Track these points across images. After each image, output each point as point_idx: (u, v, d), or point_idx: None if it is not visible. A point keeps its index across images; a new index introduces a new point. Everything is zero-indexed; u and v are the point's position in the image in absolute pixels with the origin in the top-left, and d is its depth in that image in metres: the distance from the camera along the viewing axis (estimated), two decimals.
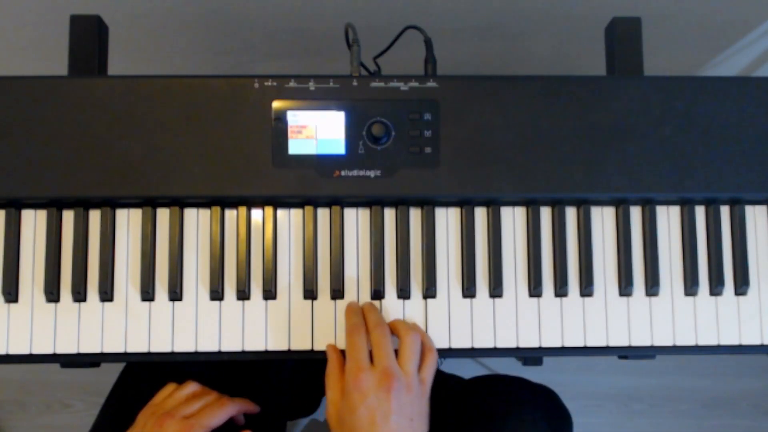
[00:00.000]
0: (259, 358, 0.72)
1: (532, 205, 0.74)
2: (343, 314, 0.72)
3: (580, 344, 0.73)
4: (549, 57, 1.12)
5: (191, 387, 0.74)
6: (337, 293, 0.73)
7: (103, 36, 0.78)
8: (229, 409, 0.72)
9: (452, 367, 1.18)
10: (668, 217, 0.75)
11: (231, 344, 0.72)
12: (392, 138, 0.72)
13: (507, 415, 0.81)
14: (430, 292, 0.73)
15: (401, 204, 0.74)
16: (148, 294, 0.72)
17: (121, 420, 0.74)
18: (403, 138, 0.72)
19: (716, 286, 0.74)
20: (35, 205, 0.73)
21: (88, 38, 0.76)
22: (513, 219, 0.75)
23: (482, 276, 0.74)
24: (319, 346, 0.72)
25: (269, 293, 0.73)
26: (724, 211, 0.76)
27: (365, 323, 0.69)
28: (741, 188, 0.73)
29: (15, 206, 0.72)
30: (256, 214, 0.74)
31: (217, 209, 0.73)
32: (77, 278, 0.72)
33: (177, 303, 0.72)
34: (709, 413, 1.43)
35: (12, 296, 0.72)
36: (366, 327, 0.69)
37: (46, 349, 0.71)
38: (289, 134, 0.72)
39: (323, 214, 0.74)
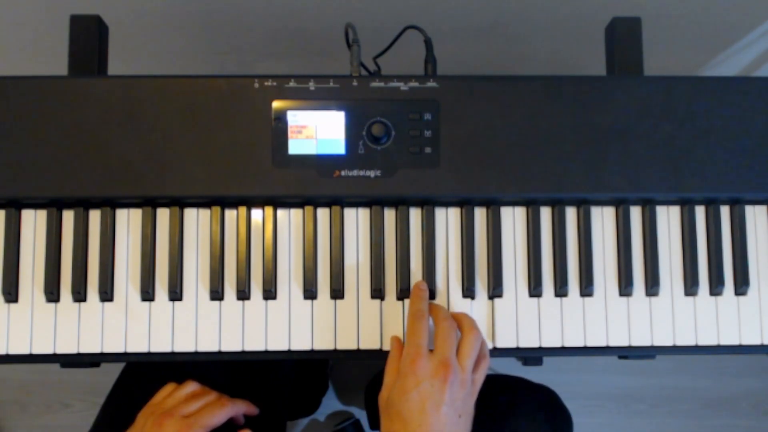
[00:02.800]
0: (259, 358, 0.72)
1: (532, 205, 0.74)
2: (342, 314, 0.72)
3: (580, 344, 0.73)
4: (549, 57, 1.12)
5: (191, 387, 0.74)
6: (337, 293, 0.73)
7: (103, 36, 0.78)
8: (228, 409, 0.72)
9: None
10: (668, 217, 0.75)
11: (231, 344, 0.72)
12: (392, 138, 0.72)
13: (508, 415, 0.81)
14: (428, 292, 0.73)
15: (401, 204, 0.74)
16: (148, 294, 0.72)
17: (121, 420, 0.74)
18: (403, 138, 0.72)
19: (716, 286, 0.74)
20: (35, 205, 0.73)
21: (88, 38, 0.76)
22: (513, 219, 0.75)
23: (482, 276, 0.74)
24: (320, 346, 0.72)
25: (269, 293, 0.73)
26: (724, 211, 0.76)
27: (432, 312, 0.69)
28: (741, 188, 0.73)
29: (15, 206, 0.72)
30: (256, 214, 0.74)
31: (217, 209, 0.73)
32: (77, 278, 0.72)
33: (177, 303, 0.72)
34: (709, 413, 1.43)
35: (12, 296, 0.72)
36: (433, 316, 0.69)
37: (46, 349, 0.71)
38: (289, 134, 0.72)
39: (323, 214, 0.74)
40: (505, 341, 0.73)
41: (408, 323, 0.68)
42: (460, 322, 0.69)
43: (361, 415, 1.36)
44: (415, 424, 0.62)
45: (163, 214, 0.73)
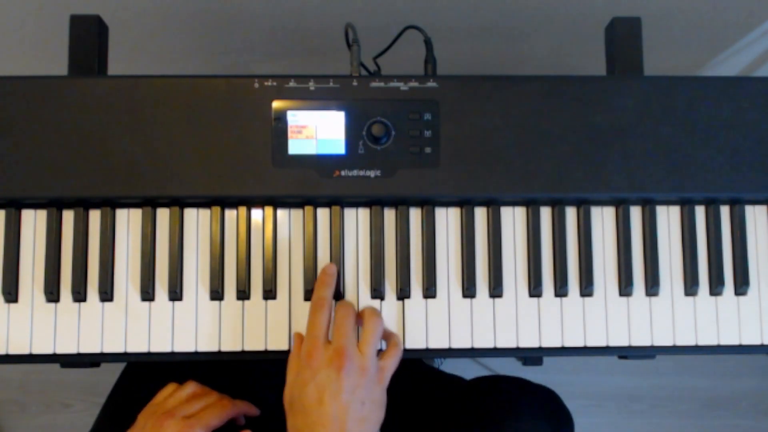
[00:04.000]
0: (259, 358, 0.72)
1: (532, 205, 0.74)
2: None
3: (580, 344, 0.73)
4: (549, 57, 1.12)
5: (192, 387, 0.74)
6: (338, 293, 0.73)
7: (103, 36, 0.78)
8: (229, 410, 0.72)
9: (452, 367, 1.18)
10: (668, 217, 0.75)
11: (231, 344, 0.72)
12: (392, 138, 0.72)
13: (508, 416, 0.80)
14: (430, 292, 0.73)
15: (401, 204, 0.74)
16: (148, 294, 0.72)
17: (122, 420, 0.74)
18: (403, 138, 0.72)
19: (716, 286, 0.74)
20: (35, 205, 0.73)
21: (88, 38, 0.76)
22: (513, 219, 0.75)
23: (482, 276, 0.74)
24: None
25: (269, 293, 0.73)
26: (724, 211, 0.76)
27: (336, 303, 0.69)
28: (741, 188, 0.73)
29: (15, 206, 0.72)
30: (256, 214, 0.74)
31: (217, 209, 0.73)
32: (77, 278, 0.72)
33: (177, 303, 0.72)
34: (709, 413, 1.43)
35: (12, 296, 0.72)
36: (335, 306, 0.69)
37: (46, 349, 0.71)
38: (289, 134, 0.72)
39: (323, 214, 0.74)
40: (505, 341, 0.73)
41: (309, 314, 0.68)
42: (362, 311, 0.69)
43: None
44: (314, 416, 0.62)
45: (163, 214, 0.73)
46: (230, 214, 0.74)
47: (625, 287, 0.74)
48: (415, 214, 0.75)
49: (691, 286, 0.74)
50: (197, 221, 0.74)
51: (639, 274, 0.74)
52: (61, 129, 0.71)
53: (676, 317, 0.74)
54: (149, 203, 0.73)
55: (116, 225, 0.73)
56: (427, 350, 0.72)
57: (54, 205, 0.72)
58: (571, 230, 0.75)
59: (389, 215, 0.74)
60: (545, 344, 0.73)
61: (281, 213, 0.74)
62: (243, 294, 0.72)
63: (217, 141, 0.71)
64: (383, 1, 0.96)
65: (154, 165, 0.71)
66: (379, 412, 0.65)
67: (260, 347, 0.72)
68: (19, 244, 0.72)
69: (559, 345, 0.73)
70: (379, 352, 0.69)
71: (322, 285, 0.70)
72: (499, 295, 0.74)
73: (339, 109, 0.73)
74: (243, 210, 0.73)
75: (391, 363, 0.68)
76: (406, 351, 0.72)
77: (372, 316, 0.68)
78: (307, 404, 0.62)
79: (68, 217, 0.73)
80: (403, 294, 0.73)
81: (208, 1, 0.98)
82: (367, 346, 0.66)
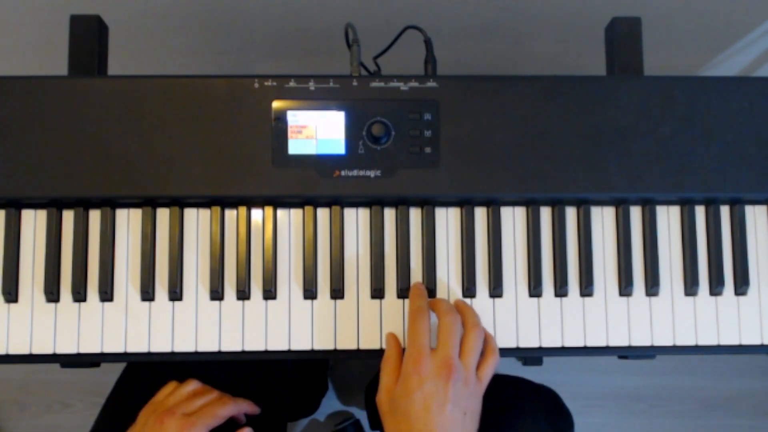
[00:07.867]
0: (259, 358, 0.72)
1: (532, 205, 0.74)
2: (342, 314, 0.72)
3: (580, 344, 0.73)
4: (549, 57, 1.12)
5: (192, 385, 0.74)
6: (337, 293, 0.73)
7: (103, 36, 0.78)
8: (230, 408, 0.72)
9: None
10: (668, 217, 0.75)
11: (231, 344, 0.72)
12: (392, 138, 0.72)
13: (508, 416, 0.81)
14: (429, 292, 0.73)
15: (401, 204, 0.74)
16: (148, 294, 0.72)
17: (122, 420, 0.74)
18: (403, 138, 0.72)
19: (716, 286, 0.74)
20: (35, 205, 0.73)
21: (88, 38, 0.76)
22: (513, 219, 0.75)
23: (482, 276, 0.74)
24: (320, 346, 0.72)
25: (269, 293, 0.73)
26: (724, 211, 0.76)
27: (435, 307, 0.69)
28: (741, 188, 0.73)
29: (15, 206, 0.72)
30: (256, 214, 0.74)
31: (217, 209, 0.73)
32: (77, 278, 0.72)
33: (177, 303, 0.72)
34: (709, 413, 1.43)
35: (12, 296, 0.72)
36: (436, 311, 0.69)
37: (46, 349, 0.71)
38: (289, 134, 0.72)
39: (323, 214, 0.74)
40: (505, 341, 0.73)
41: (409, 322, 0.68)
42: (464, 317, 0.69)
43: (361, 415, 1.36)
44: (420, 424, 0.63)
45: (163, 214, 0.73)
46: (230, 214, 0.74)
47: (625, 287, 0.74)
48: (415, 214, 0.75)
49: (691, 286, 0.74)
50: (197, 221, 0.74)
51: (639, 274, 0.74)
52: (61, 129, 0.71)
53: (676, 317, 0.74)
54: (149, 203, 0.73)
55: (116, 225, 0.73)
56: None
57: (54, 205, 0.72)
58: (571, 230, 0.75)
59: (389, 215, 0.74)
60: (545, 344, 0.73)
61: (281, 213, 0.74)
62: (243, 294, 0.72)
63: (217, 141, 0.71)
64: (383, 1, 0.96)
65: (154, 165, 0.71)
66: (476, 422, 0.66)
67: (260, 347, 0.72)
68: (19, 244, 0.72)
69: (559, 345, 0.73)
70: None
71: (418, 296, 0.70)
72: (499, 295, 0.74)
73: (339, 109, 0.73)
74: (243, 210, 0.73)
75: (490, 373, 0.68)
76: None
77: (475, 327, 0.68)
78: (413, 411, 0.63)
79: (68, 217, 0.73)
80: (403, 294, 0.73)
81: (209, 2, 0.98)
82: (469, 358, 0.66)
